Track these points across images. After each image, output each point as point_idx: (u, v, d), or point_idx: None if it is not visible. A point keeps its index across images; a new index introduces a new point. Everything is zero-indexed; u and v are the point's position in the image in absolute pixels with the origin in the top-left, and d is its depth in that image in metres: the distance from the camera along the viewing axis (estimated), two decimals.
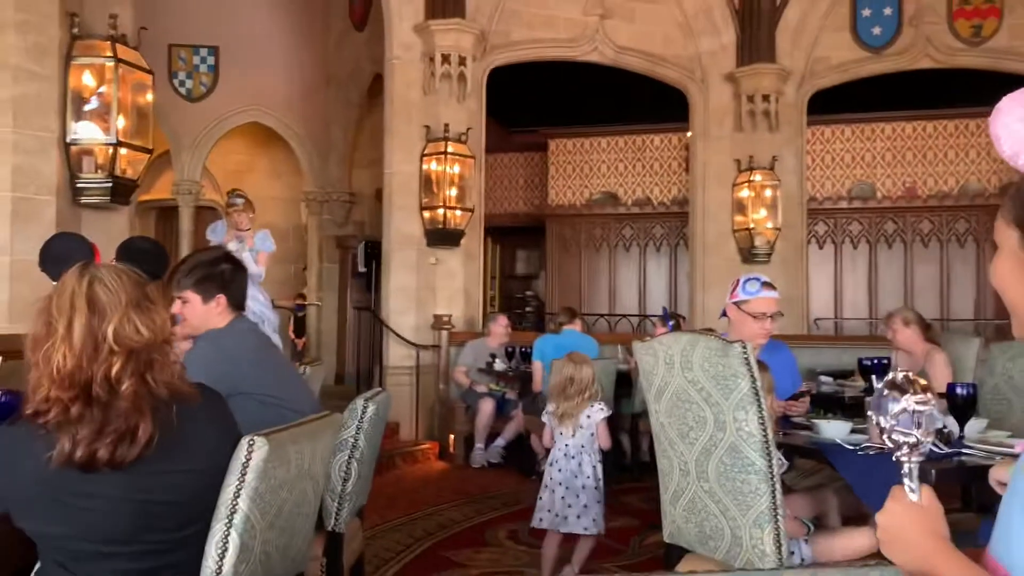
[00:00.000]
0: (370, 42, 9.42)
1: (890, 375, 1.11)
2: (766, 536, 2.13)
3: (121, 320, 1.52)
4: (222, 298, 2.49)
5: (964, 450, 2.43)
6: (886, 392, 1.09)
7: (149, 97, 6.19)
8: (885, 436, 1.09)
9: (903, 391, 1.07)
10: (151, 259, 2.23)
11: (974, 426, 2.67)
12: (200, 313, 2.47)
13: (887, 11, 8.75)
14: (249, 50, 10.18)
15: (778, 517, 2.14)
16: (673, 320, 6.51)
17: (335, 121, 10.58)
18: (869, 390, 2.63)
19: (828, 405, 4.13)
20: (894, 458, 1.10)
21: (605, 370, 5.96)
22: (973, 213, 10.11)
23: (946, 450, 2.42)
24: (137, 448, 1.48)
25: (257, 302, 6.51)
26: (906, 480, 1.10)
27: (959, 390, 2.61)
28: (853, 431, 2.65)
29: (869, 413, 2.61)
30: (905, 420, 1.07)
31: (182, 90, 10.04)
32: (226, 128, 10.44)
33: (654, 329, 6.61)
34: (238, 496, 1.64)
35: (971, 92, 9.97)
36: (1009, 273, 1.11)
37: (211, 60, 10.09)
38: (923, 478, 2.16)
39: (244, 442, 1.67)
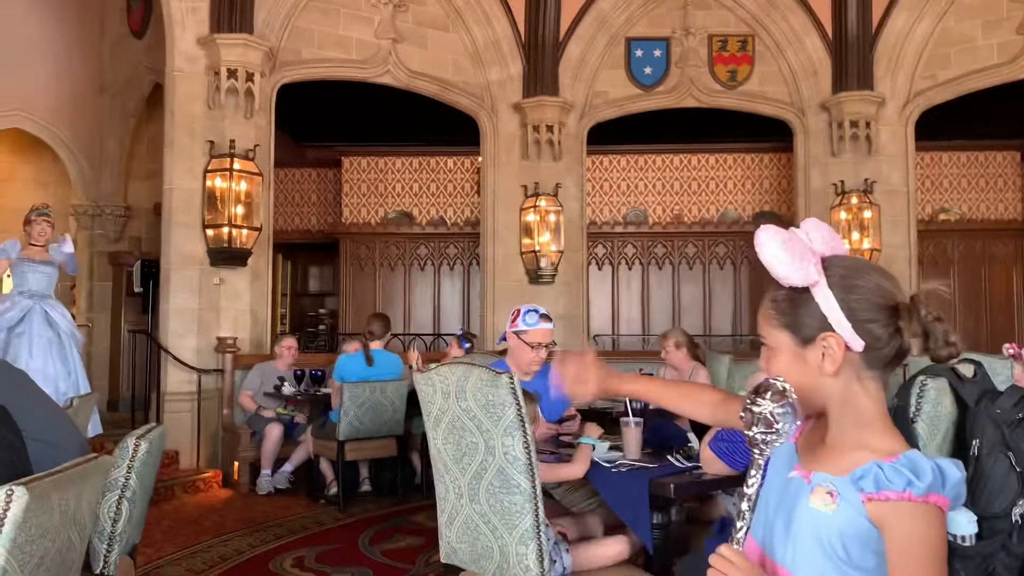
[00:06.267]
0: (150, 50, 8.97)
1: (757, 384, 1.28)
2: (530, 552, 2.32)
3: None
4: None
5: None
6: (750, 398, 1.26)
7: None
8: (751, 434, 1.25)
9: (764, 393, 1.25)
10: None
11: None
12: None
13: (656, 52, 9.55)
14: (10, 50, 9.35)
15: (540, 534, 2.34)
16: (469, 343, 6.66)
17: (110, 130, 9.95)
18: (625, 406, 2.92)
19: (599, 420, 4.48)
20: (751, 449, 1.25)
21: (397, 391, 6.06)
22: (731, 238, 11.21)
23: (687, 464, 2.74)
24: None
25: (66, 320, 6.20)
26: (752, 469, 1.25)
27: None
28: (611, 448, 2.93)
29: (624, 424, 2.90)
30: (762, 419, 1.23)
31: None
32: None
33: (448, 348, 6.76)
34: None
35: (730, 129, 11.11)
36: (788, 366, 1.35)
37: None
38: (662, 491, 2.44)
39: (2, 492, 1.62)
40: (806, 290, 1.33)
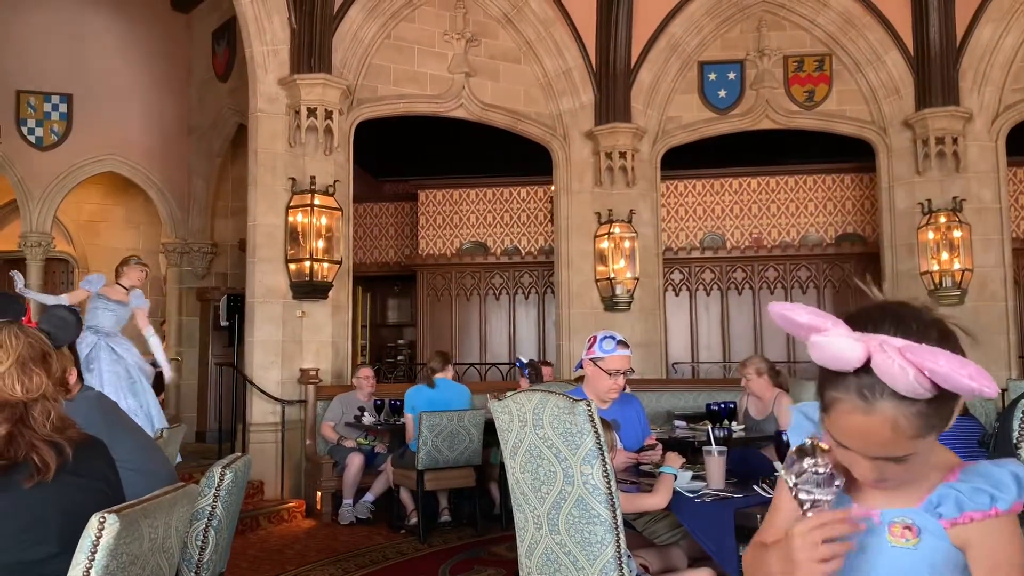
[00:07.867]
0: (234, 92, 9.33)
1: (801, 442, 1.21)
2: None
3: (3, 376, 1.76)
4: (74, 370, 2.44)
5: None
6: (795, 456, 1.21)
7: None
8: (794, 494, 1.20)
9: (808, 456, 1.20)
10: (65, 327, 2.25)
11: None
12: None
13: (731, 75, 9.45)
14: (105, 98, 9.88)
15: (623, 565, 2.28)
16: (529, 369, 6.59)
17: (197, 171, 10.36)
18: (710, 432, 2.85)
19: (681, 450, 4.38)
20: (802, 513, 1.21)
21: (474, 420, 6.07)
22: (813, 261, 10.92)
23: (772, 493, 2.64)
24: (51, 471, 1.71)
25: (131, 353, 6.41)
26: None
27: (785, 436, 2.85)
28: (694, 478, 2.85)
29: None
30: (808, 480, 1.19)
31: (31, 138, 9.60)
32: (80, 178, 10.04)
33: (520, 380, 6.74)
34: (87, 575, 1.63)
35: (807, 149, 10.88)
36: (924, 458, 1.19)
37: (64, 108, 9.72)
38: (748, 522, 2.36)
39: (95, 520, 1.66)
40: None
